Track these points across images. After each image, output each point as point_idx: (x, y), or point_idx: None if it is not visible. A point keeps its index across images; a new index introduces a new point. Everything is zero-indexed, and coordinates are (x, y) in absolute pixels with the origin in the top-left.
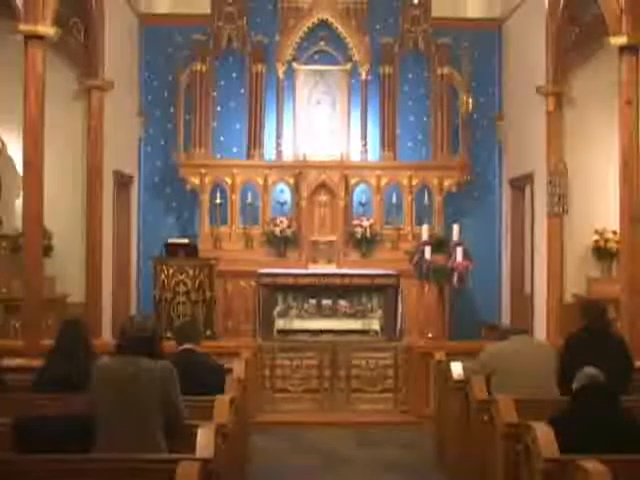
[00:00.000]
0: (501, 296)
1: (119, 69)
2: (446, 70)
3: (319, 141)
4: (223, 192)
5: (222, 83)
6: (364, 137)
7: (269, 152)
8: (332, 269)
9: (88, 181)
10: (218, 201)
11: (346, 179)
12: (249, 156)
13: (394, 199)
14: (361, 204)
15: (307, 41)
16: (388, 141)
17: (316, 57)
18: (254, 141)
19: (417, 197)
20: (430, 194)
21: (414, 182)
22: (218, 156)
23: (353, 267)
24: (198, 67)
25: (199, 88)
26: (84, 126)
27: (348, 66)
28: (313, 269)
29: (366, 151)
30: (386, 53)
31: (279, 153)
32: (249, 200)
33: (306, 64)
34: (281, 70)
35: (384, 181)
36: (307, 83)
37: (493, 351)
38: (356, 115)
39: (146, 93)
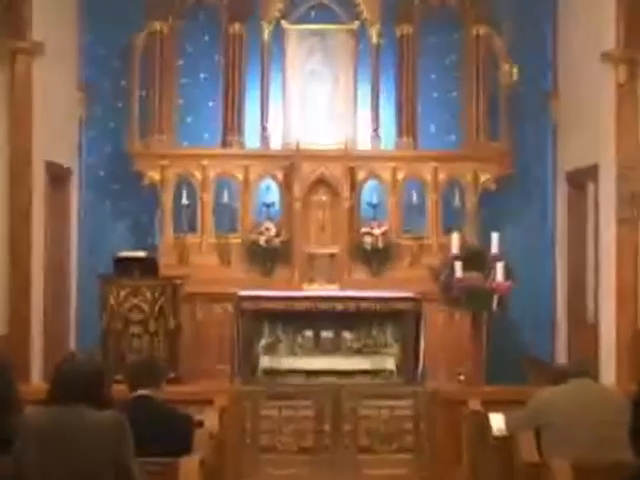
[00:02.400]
0: (555, 326)
1: (52, 28)
2: (483, 31)
3: (316, 124)
4: (191, 190)
5: (189, 48)
6: (375, 119)
7: (251, 138)
8: (334, 291)
9: (11, 174)
10: (184, 202)
11: (352, 173)
12: (225, 143)
13: (414, 199)
14: (371, 206)
15: None
16: (406, 124)
17: (312, 14)
18: (231, 124)
19: (444, 197)
20: (461, 193)
21: (440, 177)
22: (184, 143)
23: (361, 288)
24: (157, 27)
25: (159, 55)
26: (6, 102)
27: (354, 25)
28: (309, 291)
29: (378, 137)
30: (404, 8)
31: (264, 140)
32: (225, 201)
33: (299, 23)
34: (267, 31)
35: (401, 176)
36: (301, 48)
37: (545, 399)
38: (364, 90)
39: (89, 61)
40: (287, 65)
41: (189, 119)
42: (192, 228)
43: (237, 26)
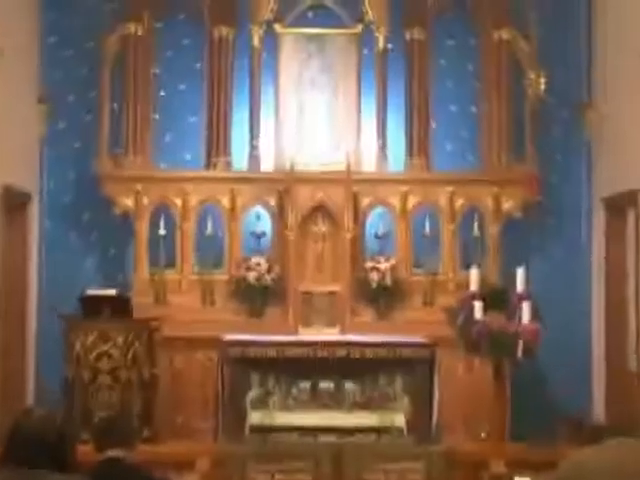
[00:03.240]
0: (591, 375)
1: (9, 29)
2: (506, 34)
3: (314, 142)
4: (170, 219)
5: (168, 54)
6: (382, 136)
7: (239, 159)
8: (334, 335)
9: None
10: (162, 232)
11: (355, 199)
12: (209, 165)
13: (427, 229)
14: (378, 237)
15: None
16: (418, 142)
17: (310, 15)
18: (216, 142)
19: (462, 226)
20: (482, 222)
21: (458, 203)
22: (162, 165)
23: (366, 332)
24: (132, 30)
25: (133, 61)
26: None
27: (358, 29)
28: (305, 335)
29: (385, 157)
30: (414, 9)
31: (254, 160)
32: (209, 231)
33: (295, 26)
34: (257, 35)
35: (412, 202)
36: (297, 55)
37: (579, 462)
38: (369, 103)
39: (52, 68)
40: (281, 74)
41: (168, 137)
42: (171, 263)
43: (223, 29)
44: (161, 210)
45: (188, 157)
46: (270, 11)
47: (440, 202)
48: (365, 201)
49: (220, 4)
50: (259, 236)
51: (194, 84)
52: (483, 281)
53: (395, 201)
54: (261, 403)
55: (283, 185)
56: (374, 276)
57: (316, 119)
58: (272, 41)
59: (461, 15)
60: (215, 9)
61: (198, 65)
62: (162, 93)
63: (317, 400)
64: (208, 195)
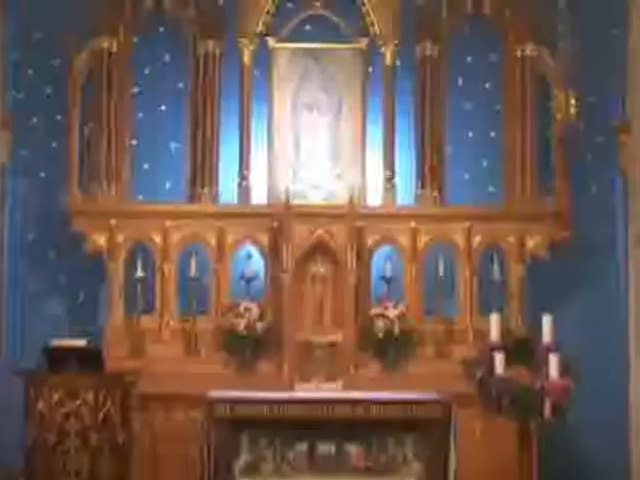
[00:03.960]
0: (629, 438)
1: None
2: (531, 50)
3: (312, 172)
4: (148, 259)
5: (147, 72)
6: (390, 165)
7: (227, 191)
8: (335, 391)
9: None
10: (139, 274)
11: (360, 237)
12: (193, 197)
13: (441, 270)
14: (385, 279)
15: (292, 1)
16: (431, 171)
17: (308, 28)
18: (202, 172)
19: (481, 267)
20: (503, 262)
21: (476, 241)
22: (140, 197)
23: (371, 388)
24: (105, 44)
25: (107, 80)
26: None
27: (362, 44)
28: (303, 391)
29: (393, 188)
30: (427, 21)
31: (245, 192)
32: (193, 273)
33: (290, 40)
34: (247, 50)
35: (424, 240)
36: (293, 73)
37: None
38: (376, 127)
39: (14, 88)
40: (275, 95)
41: (146, 165)
42: (149, 309)
43: (209, 44)
44: (138, 249)
45: (169, 188)
46: (262, 23)
47: (456, 240)
48: (371, 239)
49: (205, 15)
50: (250, 279)
51: (176, 106)
52: (505, 330)
53: (405, 239)
54: (252, 470)
55: (277, 221)
56: (381, 324)
57: (315, 145)
58: (265, 57)
59: (479, 28)
60: (200, 21)
61: (181, 84)
62: (140, 116)
63: (316, 465)
64: (192, 232)
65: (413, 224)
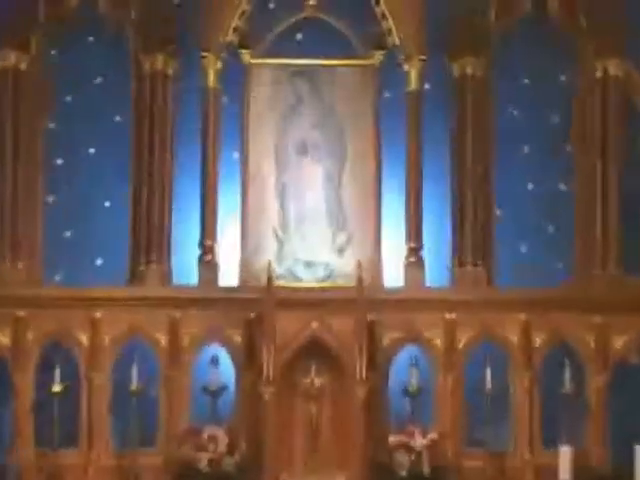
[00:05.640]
0: None
1: None
2: (616, 68)
3: (306, 241)
4: (70, 365)
5: (70, 99)
6: (414, 232)
7: (184, 268)
8: None
9: None
10: (57, 388)
11: (372, 333)
12: (134, 277)
13: (488, 381)
14: (409, 394)
15: (273, 1)
16: (473, 240)
17: (298, 37)
18: (147, 242)
19: (545, 376)
20: (577, 369)
21: (537, 340)
22: (58, 278)
23: None
24: (13, 60)
25: (12, 110)
26: None
27: (376, 59)
28: None
29: (420, 265)
30: (468, 28)
31: (208, 270)
32: (134, 385)
33: (274, 54)
34: (212, 69)
35: (464, 337)
36: (277, 101)
37: None
38: (394, 178)
39: None
40: (251, 132)
41: (68, 233)
42: (71, 438)
43: (157, 60)
44: (56, 351)
45: (100, 264)
46: (234, 30)
47: (509, 337)
48: (388, 336)
49: (153, 19)
50: (216, 393)
51: (111, 147)
52: (580, 465)
53: (436, 336)
54: None
55: (254, 310)
56: (403, 458)
57: (309, 204)
58: (237, 78)
59: (542, 38)
60: (145, 27)
61: (118, 117)
62: (59, 161)
63: None
64: (134, 326)
65: (448, 315)
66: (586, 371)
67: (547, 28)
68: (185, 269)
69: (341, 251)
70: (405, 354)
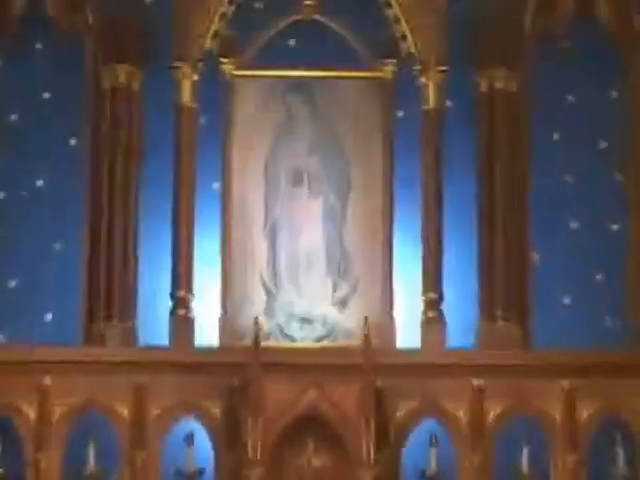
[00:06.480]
0: None
1: None
2: None
3: (301, 293)
4: (13, 444)
5: (13, 117)
6: (433, 281)
7: (153, 324)
8: None
9: None
10: None
11: (382, 403)
12: (91, 336)
13: (524, 463)
14: (426, 478)
15: (261, 0)
16: (505, 290)
17: (291, 44)
18: (107, 293)
19: (592, 456)
20: (632, 447)
21: (585, 411)
22: (0, 337)
23: None
24: None
25: None
26: None
27: (387, 71)
28: None
29: (439, 322)
30: (500, 36)
31: (182, 326)
32: (90, 467)
33: (262, 65)
34: (188, 82)
35: (494, 409)
36: (265, 120)
37: None
38: (408, 214)
39: None
40: (234, 159)
41: (12, 282)
42: None
43: (119, 71)
44: None
45: (49, 319)
46: (212, 36)
47: (549, 410)
48: (402, 408)
49: (114, 23)
50: (191, 478)
51: (64, 176)
52: None
53: (459, 408)
54: None
55: (239, 376)
56: None
57: (304, 247)
58: (217, 92)
59: (588, 46)
60: (104, 33)
61: (73, 140)
62: (0, 195)
63: None
64: (89, 396)
65: (475, 382)
66: None
67: (594, 33)
68: (154, 326)
69: (343, 304)
70: (422, 430)
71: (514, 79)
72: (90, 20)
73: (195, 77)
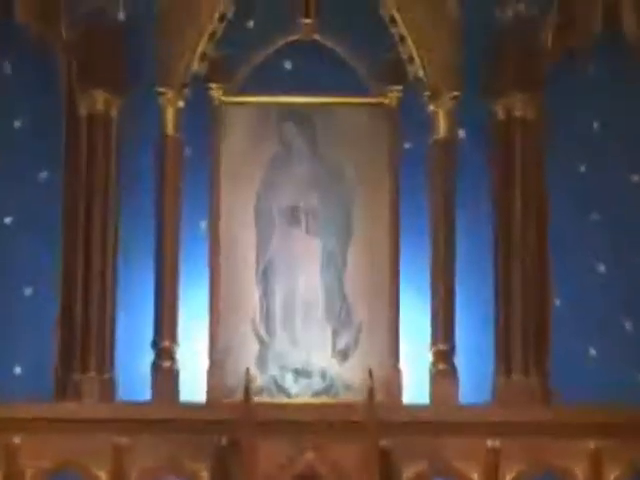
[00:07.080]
0: None
1: None
2: None
3: (297, 343)
4: None
5: None
6: (445, 330)
7: (133, 377)
8: None
9: None
10: None
11: (388, 465)
12: (64, 390)
13: None
14: None
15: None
16: (523, 343)
17: (287, 67)
18: (82, 342)
19: None
20: None
21: (610, 475)
22: None
23: None
24: None
25: None
26: None
27: (392, 97)
28: None
29: (451, 375)
30: (515, 55)
31: (166, 380)
32: None
33: (254, 91)
34: (172, 109)
35: (512, 471)
36: (257, 152)
37: None
38: (416, 258)
39: None
40: (223, 193)
41: None
42: None
43: (96, 97)
44: None
45: (20, 374)
46: (200, 58)
47: (573, 472)
48: (409, 469)
49: (91, 42)
50: None
51: (35, 213)
52: None
53: (473, 469)
54: None
55: (228, 435)
56: None
57: (300, 293)
58: (204, 120)
59: (617, 68)
60: (79, 51)
61: (43, 173)
62: None
63: None
64: (62, 457)
65: (491, 442)
66: None
67: (622, 53)
68: (134, 380)
69: (344, 355)
70: None
71: (534, 105)
72: (64, 35)
73: (180, 104)
